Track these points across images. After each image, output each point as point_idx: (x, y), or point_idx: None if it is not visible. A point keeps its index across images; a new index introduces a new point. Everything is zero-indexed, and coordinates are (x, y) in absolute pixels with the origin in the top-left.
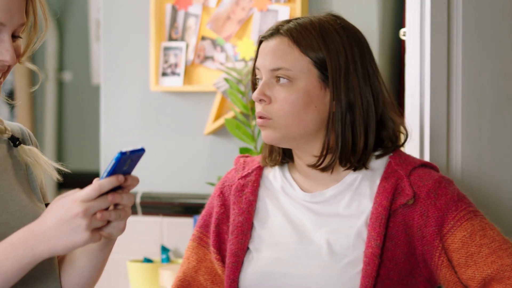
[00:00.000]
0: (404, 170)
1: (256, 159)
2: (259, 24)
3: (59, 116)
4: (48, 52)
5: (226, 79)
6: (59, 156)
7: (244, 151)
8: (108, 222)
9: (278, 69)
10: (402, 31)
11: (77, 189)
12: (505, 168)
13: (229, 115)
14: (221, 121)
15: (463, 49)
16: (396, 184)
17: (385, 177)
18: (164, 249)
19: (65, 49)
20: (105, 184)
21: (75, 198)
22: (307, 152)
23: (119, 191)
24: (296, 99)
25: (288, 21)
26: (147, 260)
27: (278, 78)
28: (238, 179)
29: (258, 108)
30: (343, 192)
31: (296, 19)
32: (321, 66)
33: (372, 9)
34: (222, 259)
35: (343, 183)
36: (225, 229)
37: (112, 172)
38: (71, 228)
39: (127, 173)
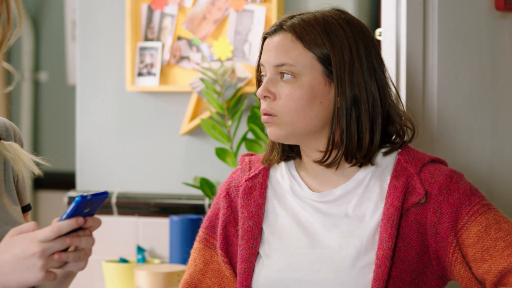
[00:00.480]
0: (414, 167)
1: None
2: (235, 24)
3: (35, 116)
4: (24, 52)
5: (202, 79)
6: (35, 156)
7: (219, 151)
8: (67, 262)
9: (282, 65)
10: (378, 31)
11: (34, 223)
12: (480, 169)
13: (205, 115)
14: (197, 121)
15: (438, 50)
16: (407, 183)
17: (395, 176)
18: (140, 249)
19: (41, 49)
20: (63, 227)
21: (34, 237)
22: (313, 148)
23: (80, 232)
24: (300, 95)
25: (291, 17)
26: (123, 260)
27: (282, 74)
28: (245, 181)
29: (263, 105)
30: (352, 191)
31: (299, 14)
32: (325, 61)
33: (348, 9)
34: (230, 262)
35: (353, 181)
36: (232, 231)
37: (72, 215)
38: (26, 267)
39: (88, 215)
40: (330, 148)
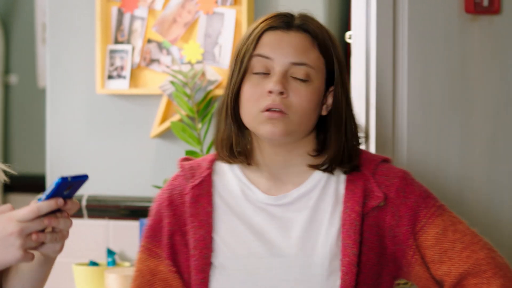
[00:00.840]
0: (368, 169)
1: (203, 164)
2: (205, 27)
3: (5, 119)
4: None
5: (172, 82)
6: (5, 159)
7: (190, 154)
8: (44, 243)
9: (302, 64)
10: (348, 34)
11: (10, 205)
12: (450, 170)
13: (175, 118)
14: (167, 124)
15: (408, 53)
16: (365, 187)
17: (350, 179)
18: (110, 252)
19: (11, 52)
20: (43, 207)
21: (12, 216)
22: (295, 152)
23: (58, 214)
24: (312, 97)
25: (297, 16)
26: (93, 263)
27: (295, 73)
28: (192, 189)
29: (275, 100)
30: (309, 193)
31: (300, 15)
32: (330, 67)
33: (318, 12)
34: (178, 271)
35: (309, 183)
36: (179, 239)
37: (51, 196)
38: (4, 246)
39: (67, 197)
40: (318, 153)
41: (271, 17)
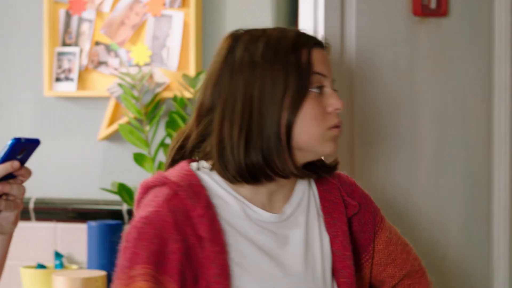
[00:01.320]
0: (333, 178)
1: (192, 180)
2: (153, 29)
3: None
4: None
5: (119, 85)
6: None
7: (137, 156)
8: None
9: (333, 80)
10: None
11: None
12: (398, 174)
13: (123, 120)
14: (115, 126)
15: (356, 55)
16: (341, 197)
17: (325, 190)
18: (58, 255)
19: None
20: None
21: None
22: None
23: (11, 180)
24: None
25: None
26: (41, 266)
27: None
28: (206, 209)
29: (337, 117)
30: (298, 206)
31: None
32: None
33: (266, 14)
34: None
35: (296, 195)
36: (186, 264)
37: (5, 159)
38: None
39: (21, 162)
40: None
41: (303, 33)
